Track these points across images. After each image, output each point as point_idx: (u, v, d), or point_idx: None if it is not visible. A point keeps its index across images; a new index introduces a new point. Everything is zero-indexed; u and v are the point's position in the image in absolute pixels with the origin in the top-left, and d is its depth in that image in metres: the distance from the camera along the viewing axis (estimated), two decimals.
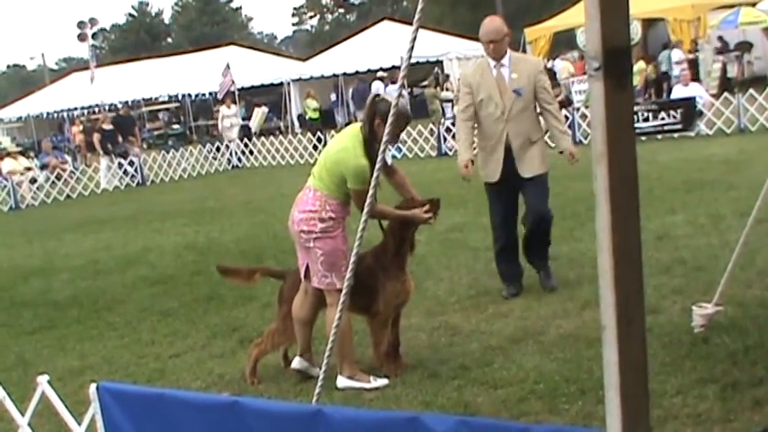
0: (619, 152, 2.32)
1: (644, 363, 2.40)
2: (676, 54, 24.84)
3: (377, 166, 3.38)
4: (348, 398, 5.53)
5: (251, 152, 24.82)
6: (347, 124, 27.38)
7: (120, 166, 23.25)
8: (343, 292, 3.42)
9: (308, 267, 5.71)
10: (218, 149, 25.34)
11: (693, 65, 25.18)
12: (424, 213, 5.76)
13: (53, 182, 22.61)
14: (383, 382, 5.71)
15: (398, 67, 28.19)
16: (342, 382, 5.71)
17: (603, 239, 2.34)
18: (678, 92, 20.00)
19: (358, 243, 3.37)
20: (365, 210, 3.38)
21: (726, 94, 19.76)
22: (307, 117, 30.22)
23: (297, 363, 5.97)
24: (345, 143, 5.74)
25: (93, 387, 3.56)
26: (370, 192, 3.36)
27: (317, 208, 5.60)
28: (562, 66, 28.32)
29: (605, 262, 2.34)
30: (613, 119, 2.31)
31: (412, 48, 3.23)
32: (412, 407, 5.22)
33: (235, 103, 28.13)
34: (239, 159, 25.05)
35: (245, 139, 25.35)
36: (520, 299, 7.03)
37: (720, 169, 12.92)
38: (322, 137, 22.72)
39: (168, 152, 25.24)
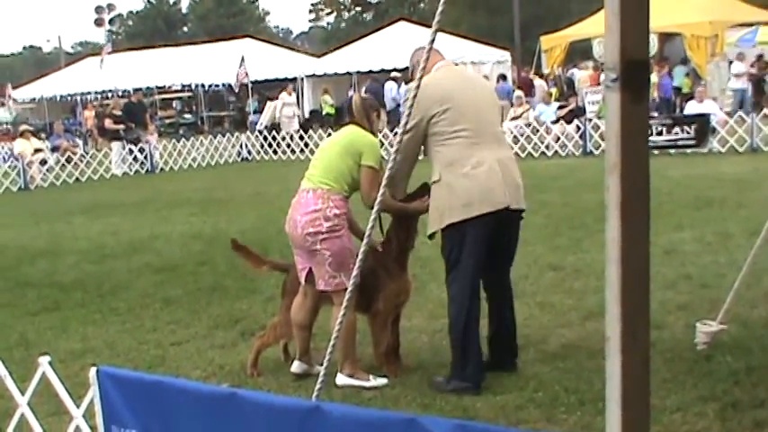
0: (632, 164, 2.32)
1: (646, 377, 2.40)
2: (737, 66, 24.71)
3: (390, 158, 3.38)
4: (347, 395, 5.53)
5: (306, 144, 23.95)
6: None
7: (131, 152, 23.28)
8: (349, 289, 3.42)
9: (309, 271, 5.70)
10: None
11: (759, 83, 25.07)
12: (421, 203, 5.73)
13: (63, 164, 22.64)
14: (382, 381, 5.71)
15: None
16: (341, 379, 5.71)
17: (612, 251, 2.34)
18: (692, 108, 19.98)
19: (366, 241, 3.36)
20: (375, 206, 3.38)
21: (740, 112, 19.72)
22: (323, 113, 30.32)
23: (296, 367, 5.95)
24: (350, 128, 5.83)
25: (93, 371, 3.56)
26: (380, 191, 3.35)
27: (321, 206, 5.58)
28: (580, 75, 28.29)
29: (613, 273, 2.34)
30: (628, 131, 2.30)
31: (430, 49, 3.23)
32: (410, 408, 5.22)
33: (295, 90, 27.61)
34: (249, 152, 25.08)
35: (301, 131, 25.02)
36: (523, 306, 7.01)
37: (731, 188, 12.89)
38: (333, 133, 22.72)
39: (179, 141, 25.29)
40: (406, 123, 5.19)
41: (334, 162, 5.67)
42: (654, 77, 24.94)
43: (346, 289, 5.51)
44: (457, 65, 6.57)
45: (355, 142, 5.68)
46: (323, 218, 5.56)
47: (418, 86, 3.47)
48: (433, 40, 3.16)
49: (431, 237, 5.66)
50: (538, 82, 28.10)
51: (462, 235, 5.37)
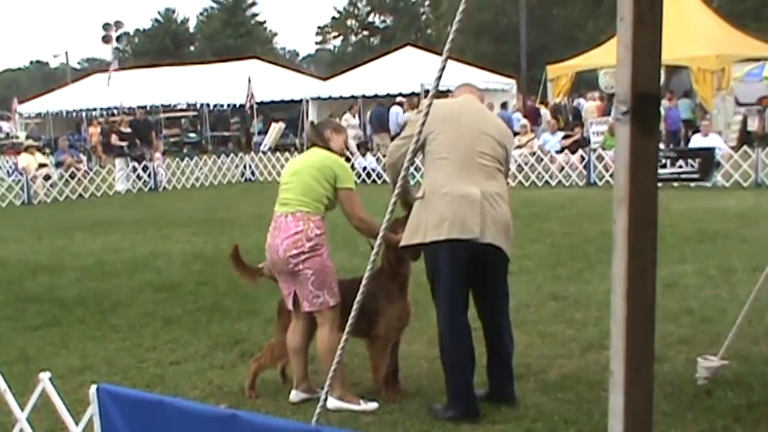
0: (640, 197, 2.32)
1: (649, 412, 2.39)
2: None
3: (396, 191, 3.37)
4: (345, 420, 5.51)
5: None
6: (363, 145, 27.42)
7: (135, 170, 23.33)
8: (352, 314, 3.40)
9: (295, 296, 5.74)
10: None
11: None
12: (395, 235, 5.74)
13: (67, 180, 22.69)
14: (373, 405, 5.72)
15: (418, 94, 28.23)
16: (332, 403, 5.68)
17: (618, 284, 2.33)
18: (697, 141, 20.01)
19: (370, 266, 3.36)
20: (378, 240, 3.37)
21: (745, 147, 19.77)
22: None
23: (294, 396, 5.94)
24: (316, 151, 5.94)
25: (93, 388, 3.55)
26: (383, 225, 3.34)
27: (302, 227, 5.64)
28: (587, 106, 28.34)
29: (618, 307, 2.33)
30: (637, 164, 2.30)
31: (440, 77, 3.23)
32: None
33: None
34: (252, 173, 25.13)
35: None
36: (524, 336, 7.00)
37: (734, 222, 12.90)
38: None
39: (183, 160, 25.34)
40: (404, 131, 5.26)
41: (310, 185, 5.74)
42: (661, 110, 24.99)
43: (330, 308, 5.62)
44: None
45: (328, 165, 5.78)
46: (305, 238, 5.63)
47: (429, 105, 3.47)
48: (443, 68, 3.16)
49: (414, 258, 5.72)
50: (544, 111, 28.17)
51: (436, 258, 5.44)
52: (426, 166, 5.56)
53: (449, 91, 6.44)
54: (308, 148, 6.21)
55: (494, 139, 5.62)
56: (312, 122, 6.30)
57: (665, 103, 24.80)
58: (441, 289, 5.48)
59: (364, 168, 22.54)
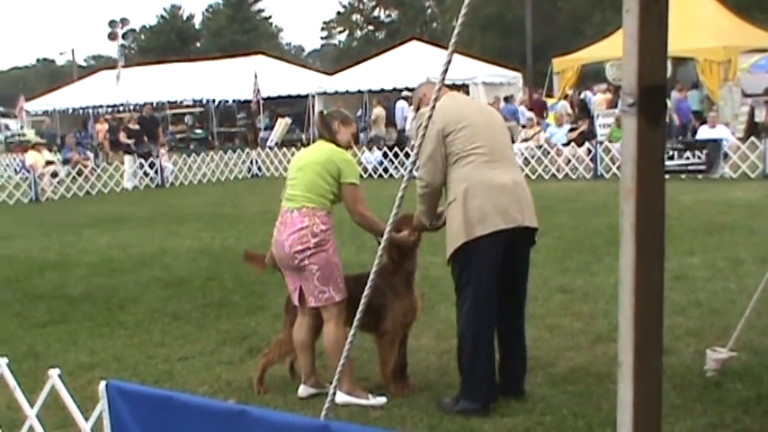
0: (647, 190, 2.31)
1: (658, 404, 2.38)
2: None
3: (402, 186, 3.36)
4: (353, 415, 5.52)
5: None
6: (370, 140, 27.47)
7: (141, 166, 23.36)
8: (360, 309, 3.40)
9: (301, 291, 5.74)
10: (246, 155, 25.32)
11: None
12: (407, 236, 5.76)
13: (74, 177, 22.73)
14: (381, 400, 5.72)
15: None
16: (341, 397, 5.69)
17: (626, 276, 2.33)
18: (704, 133, 19.96)
19: (377, 262, 3.35)
20: (385, 235, 3.36)
21: (752, 138, 19.71)
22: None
23: (302, 391, 5.94)
24: (322, 145, 5.91)
25: (102, 384, 3.56)
26: (391, 217, 3.34)
27: (308, 223, 5.64)
28: (596, 99, 28.26)
29: (626, 299, 2.33)
30: (644, 156, 2.30)
31: (446, 71, 3.22)
32: (417, 429, 5.21)
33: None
34: (259, 168, 25.15)
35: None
36: (532, 329, 6.98)
37: (742, 214, 12.86)
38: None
39: (190, 156, 25.36)
40: (422, 154, 5.25)
41: (315, 181, 5.73)
42: (668, 101, 24.91)
43: (335, 303, 5.62)
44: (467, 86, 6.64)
45: (333, 160, 5.74)
46: (310, 234, 5.62)
47: (432, 108, 3.44)
48: (449, 62, 3.15)
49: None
50: (563, 103, 27.99)
51: (474, 255, 5.33)
52: (450, 168, 5.43)
53: (453, 85, 6.41)
54: (314, 141, 6.19)
55: (503, 129, 5.70)
56: (321, 112, 6.19)
57: (675, 94, 24.71)
58: (479, 283, 5.38)
59: (370, 163, 22.53)
